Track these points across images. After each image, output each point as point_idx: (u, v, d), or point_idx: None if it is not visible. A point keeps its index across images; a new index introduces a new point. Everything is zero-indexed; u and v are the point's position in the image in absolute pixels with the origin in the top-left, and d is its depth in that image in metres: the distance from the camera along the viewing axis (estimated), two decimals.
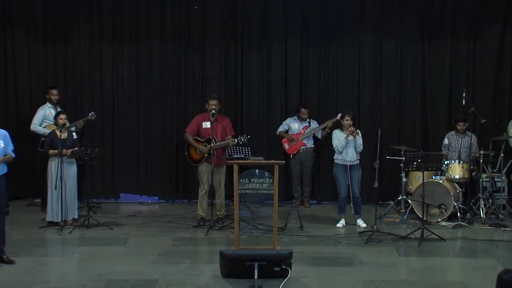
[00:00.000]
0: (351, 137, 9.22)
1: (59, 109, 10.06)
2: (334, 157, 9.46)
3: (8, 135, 7.55)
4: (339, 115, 9.97)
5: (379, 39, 11.13)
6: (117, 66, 11.28)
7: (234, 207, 8.10)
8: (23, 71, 11.16)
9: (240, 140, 9.23)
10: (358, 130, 9.33)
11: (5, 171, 7.50)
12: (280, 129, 10.91)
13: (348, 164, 9.32)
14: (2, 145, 7.43)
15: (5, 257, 7.53)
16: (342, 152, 9.31)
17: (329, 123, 10.51)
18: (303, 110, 10.76)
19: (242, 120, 11.20)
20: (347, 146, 9.26)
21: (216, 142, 9.36)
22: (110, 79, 11.26)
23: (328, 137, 10.39)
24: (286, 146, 10.78)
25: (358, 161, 9.40)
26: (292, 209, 9.43)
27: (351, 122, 9.25)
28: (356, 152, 9.31)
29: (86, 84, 11.18)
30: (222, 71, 11.24)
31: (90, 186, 9.57)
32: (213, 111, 9.38)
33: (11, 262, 7.52)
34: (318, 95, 11.27)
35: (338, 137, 9.35)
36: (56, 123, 9.50)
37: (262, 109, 11.30)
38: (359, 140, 9.31)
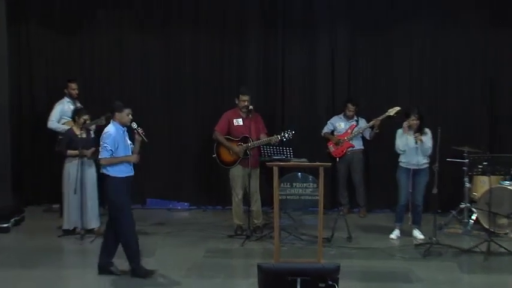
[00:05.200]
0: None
1: (78, 104, 10.21)
2: (399, 159, 9.39)
3: None
4: (389, 111, 10.12)
5: (437, 29, 11.09)
6: (146, 58, 11.37)
7: (274, 215, 8.10)
8: (40, 63, 11.31)
9: (284, 136, 9.21)
10: (427, 129, 9.23)
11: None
12: (325, 130, 10.91)
13: (412, 167, 9.23)
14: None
15: (112, 268, 7.69)
16: (405, 152, 9.23)
17: (376, 121, 10.43)
18: (349, 105, 10.70)
19: (283, 117, 11.21)
20: (411, 149, 9.18)
21: (252, 141, 9.38)
22: (138, 73, 11.40)
23: (378, 138, 10.52)
24: (332, 148, 10.77)
25: (427, 165, 9.28)
26: (339, 217, 9.38)
27: (418, 122, 9.14)
28: (423, 156, 9.22)
29: (110, 78, 11.34)
30: (261, 63, 11.28)
31: None
32: (250, 106, 9.43)
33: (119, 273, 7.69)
34: (368, 90, 11.27)
35: (402, 139, 9.27)
36: (74, 120, 9.59)
37: (305, 105, 11.31)
38: (427, 142, 9.17)
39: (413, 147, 9.16)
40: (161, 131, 11.34)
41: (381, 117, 10.37)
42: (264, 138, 9.43)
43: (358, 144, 10.80)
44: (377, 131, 10.48)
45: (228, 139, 9.58)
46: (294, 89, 11.32)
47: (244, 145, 9.40)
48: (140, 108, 11.19)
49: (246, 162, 9.40)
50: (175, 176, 11.44)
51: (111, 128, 7.59)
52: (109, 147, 7.47)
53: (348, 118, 10.78)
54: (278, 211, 8.02)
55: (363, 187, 10.92)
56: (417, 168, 9.22)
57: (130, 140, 7.81)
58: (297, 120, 11.19)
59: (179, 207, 11.42)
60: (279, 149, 9.11)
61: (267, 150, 9.15)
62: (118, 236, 7.56)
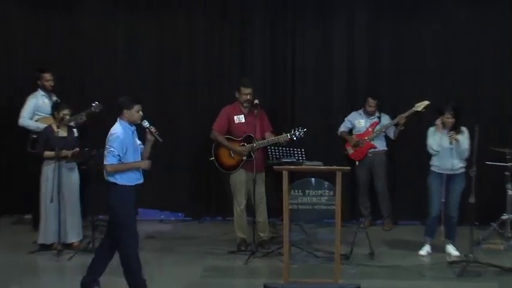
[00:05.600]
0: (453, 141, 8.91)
1: (55, 98, 9.95)
2: (430, 162, 9.11)
3: None
4: (417, 106, 9.94)
5: (474, 9, 10.85)
6: (133, 44, 11.23)
7: (283, 228, 7.95)
8: (10, 49, 11.19)
9: (295, 134, 9.00)
10: (463, 128, 8.88)
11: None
12: (342, 128, 10.74)
13: (446, 172, 8.93)
14: None
15: None
16: (438, 152, 8.90)
17: (401, 118, 10.23)
18: (370, 100, 10.46)
19: (293, 113, 11.02)
20: (445, 151, 8.88)
21: (257, 141, 9.18)
22: (123, 61, 11.23)
23: (403, 135, 10.34)
24: (350, 150, 10.60)
25: (463, 170, 8.97)
26: (359, 231, 9.22)
27: (453, 120, 8.80)
28: (459, 159, 8.96)
29: (94, 69, 11.16)
30: (267, 50, 11.14)
31: (96, 199, 9.24)
32: (256, 101, 9.12)
33: None
34: (392, 81, 11.06)
35: (434, 137, 9.00)
36: (54, 116, 9.30)
37: (319, 100, 11.09)
38: (464, 143, 8.83)
39: (447, 148, 8.88)
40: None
41: (407, 113, 10.17)
42: (270, 138, 9.21)
43: (380, 145, 10.56)
44: (402, 128, 10.30)
45: (228, 139, 9.37)
46: (305, 80, 11.10)
47: (248, 146, 9.14)
48: None
49: (249, 166, 9.10)
50: (168, 183, 11.28)
51: (118, 129, 7.25)
52: (116, 152, 7.16)
53: (369, 114, 10.55)
54: (288, 223, 7.86)
55: (387, 195, 10.69)
56: (452, 173, 8.94)
57: (139, 139, 7.57)
58: (309, 116, 10.99)
59: (173, 219, 11.29)
60: (289, 150, 8.95)
61: (274, 151, 8.99)
62: (117, 251, 7.27)
